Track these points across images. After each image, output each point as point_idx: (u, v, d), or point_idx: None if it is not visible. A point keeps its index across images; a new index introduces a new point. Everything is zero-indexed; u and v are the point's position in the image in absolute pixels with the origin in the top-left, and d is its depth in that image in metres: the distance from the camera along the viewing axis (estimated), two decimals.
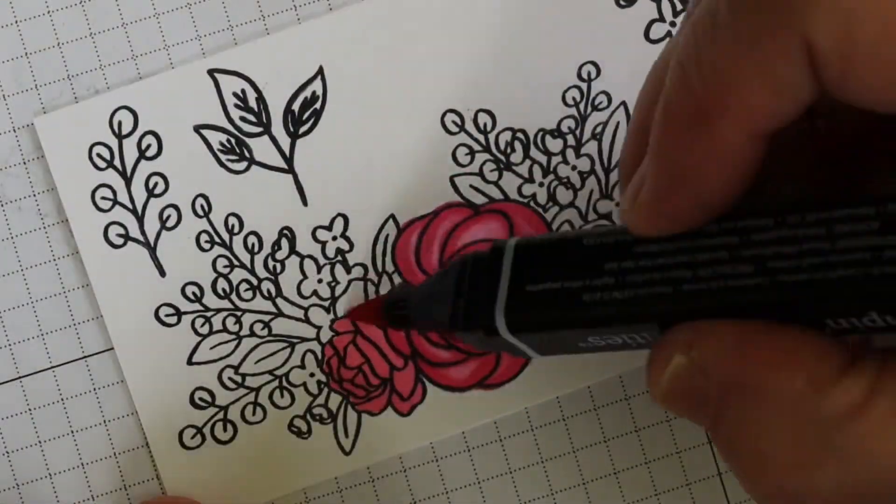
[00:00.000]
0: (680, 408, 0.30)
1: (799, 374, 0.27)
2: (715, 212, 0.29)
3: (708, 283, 0.29)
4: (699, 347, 0.29)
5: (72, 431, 0.43)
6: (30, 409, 0.43)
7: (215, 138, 0.42)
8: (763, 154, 0.28)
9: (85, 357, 0.43)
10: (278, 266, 0.42)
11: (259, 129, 0.42)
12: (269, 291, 0.42)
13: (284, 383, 0.42)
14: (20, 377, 0.43)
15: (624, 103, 0.43)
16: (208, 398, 0.42)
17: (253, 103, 0.42)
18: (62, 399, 0.43)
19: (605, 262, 0.31)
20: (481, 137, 0.43)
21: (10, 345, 0.43)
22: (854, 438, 0.26)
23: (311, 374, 0.42)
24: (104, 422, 0.43)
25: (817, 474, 0.26)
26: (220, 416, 0.42)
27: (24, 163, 0.43)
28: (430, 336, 0.42)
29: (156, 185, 0.42)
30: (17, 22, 0.43)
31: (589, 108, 0.43)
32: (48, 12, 0.43)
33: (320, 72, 0.42)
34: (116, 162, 0.42)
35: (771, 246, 0.28)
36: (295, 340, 0.42)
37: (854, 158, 0.32)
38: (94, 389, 0.43)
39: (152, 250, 0.42)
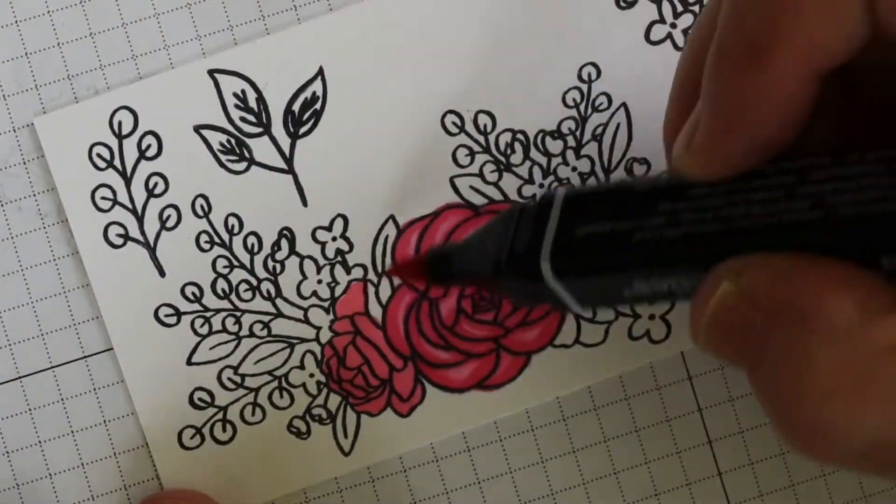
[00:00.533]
0: (721, 341, 0.29)
1: (851, 301, 0.26)
2: (770, 152, 0.29)
3: (762, 219, 0.29)
4: (749, 274, 0.28)
5: (72, 431, 0.43)
6: (30, 409, 0.43)
7: (215, 138, 0.42)
8: (816, 94, 0.28)
9: (85, 357, 0.43)
10: (278, 266, 0.42)
11: (259, 130, 0.42)
12: (268, 292, 0.42)
13: (284, 384, 0.42)
14: (20, 377, 0.43)
15: (624, 104, 0.43)
16: (208, 398, 0.42)
17: (253, 104, 0.42)
18: (62, 399, 0.43)
19: (657, 204, 0.31)
20: (481, 138, 0.43)
21: (10, 345, 0.43)
22: None
23: (311, 375, 0.42)
24: (104, 422, 0.43)
25: (859, 404, 0.26)
26: (220, 416, 0.42)
27: (24, 163, 0.43)
28: (429, 336, 0.42)
29: (156, 185, 0.42)
30: (17, 22, 0.43)
31: (589, 110, 0.43)
32: (48, 12, 0.43)
33: (320, 72, 0.42)
34: (116, 162, 0.42)
35: (829, 183, 0.28)
36: (294, 341, 0.42)
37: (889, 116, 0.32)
38: (94, 389, 0.43)
39: (152, 250, 0.42)
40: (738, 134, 0.29)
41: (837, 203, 0.28)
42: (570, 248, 0.33)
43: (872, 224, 0.27)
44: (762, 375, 0.28)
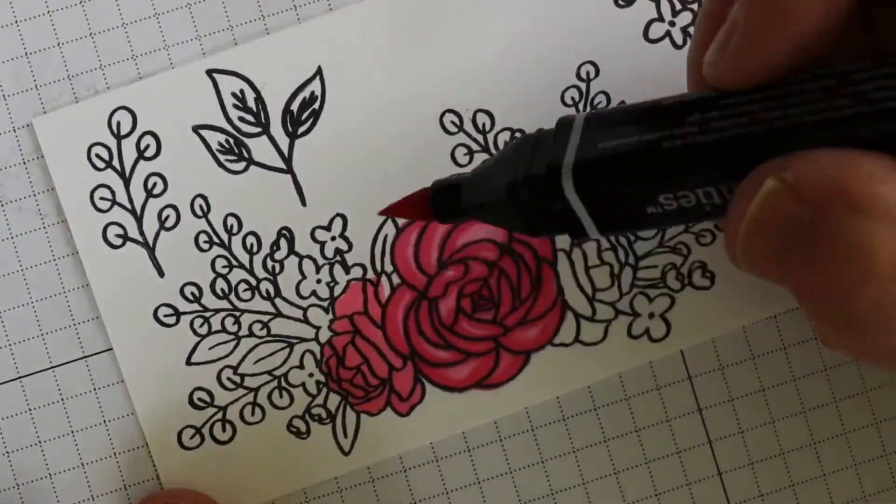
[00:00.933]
0: (764, 245, 0.29)
1: None
2: (810, 56, 0.29)
3: (801, 117, 0.28)
4: (795, 169, 0.28)
5: (72, 431, 0.43)
6: (30, 409, 0.43)
7: (214, 138, 0.42)
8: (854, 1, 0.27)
9: (85, 357, 0.43)
10: (277, 266, 0.42)
11: (258, 130, 0.42)
12: (267, 292, 0.42)
13: (283, 383, 0.42)
14: (20, 377, 0.43)
15: (623, 103, 0.43)
16: (207, 398, 0.42)
17: (252, 103, 0.42)
18: (62, 399, 0.43)
19: (688, 115, 0.30)
20: (480, 137, 0.43)
21: (10, 345, 0.43)
22: None
23: (310, 375, 0.42)
24: (104, 422, 0.43)
25: None
26: (219, 416, 0.42)
27: (24, 163, 0.43)
28: (428, 336, 0.42)
29: (154, 185, 0.42)
30: (16, 22, 0.43)
31: (588, 108, 0.43)
32: (48, 12, 0.43)
33: (319, 72, 0.42)
34: (115, 162, 0.42)
35: (871, 82, 0.28)
36: (294, 341, 0.42)
37: None
38: (94, 389, 0.43)
39: (151, 251, 0.42)
40: (779, 33, 0.28)
41: (881, 98, 0.27)
42: (594, 162, 0.32)
43: None
44: (810, 278, 0.28)
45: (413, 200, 0.37)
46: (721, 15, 0.31)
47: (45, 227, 0.43)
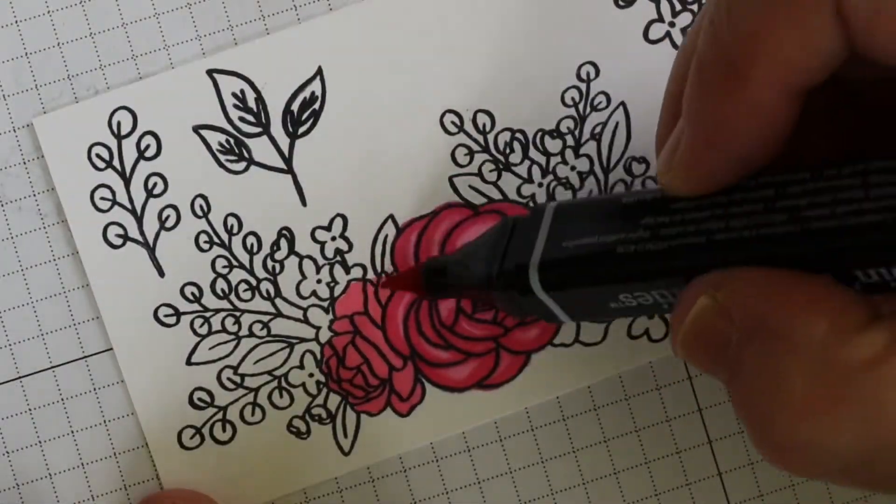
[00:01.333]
0: (699, 354, 0.30)
1: (824, 320, 0.26)
2: (750, 169, 0.29)
3: (740, 232, 0.29)
4: (726, 289, 0.29)
5: (72, 431, 0.43)
6: (30, 409, 0.43)
7: (214, 138, 0.42)
8: (796, 111, 0.28)
9: (85, 357, 0.43)
10: (277, 266, 0.42)
11: (258, 130, 0.42)
12: (268, 292, 0.42)
13: (283, 384, 0.42)
14: (20, 377, 0.43)
15: (623, 104, 0.43)
16: (207, 398, 0.42)
17: (252, 103, 0.42)
18: (62, 399, 0.43)
19: (641, 217, 0.32)
20: (480, 138, 0.43)
21: (10, 345, 0.43)
22: (872, 388, 0.25)
23: (311, 375, 0.42)
24: (104, 422, 0.43)
25: (832, 423, 0.26)
26: (219, 416, 0.42)
27: (24, 163, 0.43)
28: (428, 336, 0.42)
29: (155, 185, 0.42)
30: (16, 22, 0.43)
31: (588, 109, 0.43)
32: (48, 12, 0.43)
33: (319, 72, 0.42)
34: (115, 162, 0.42)
35: (806, 197, 0.28)
36: (294, 341, 0.42)
37: (886, 120, 0.32)
38: (94, 389, 0.43)
39: (151, 251, 0.42)
40: (718, 151, 0.29)
41: (812, 217, 0.28)
42: (558, 262, 0.34)
43: (845, 237, 0.27)
44: (738, 389, 0.29)
45: (408, 277, 0.42)
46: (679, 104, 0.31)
47: (44, 228, 0.43)
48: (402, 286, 0.42)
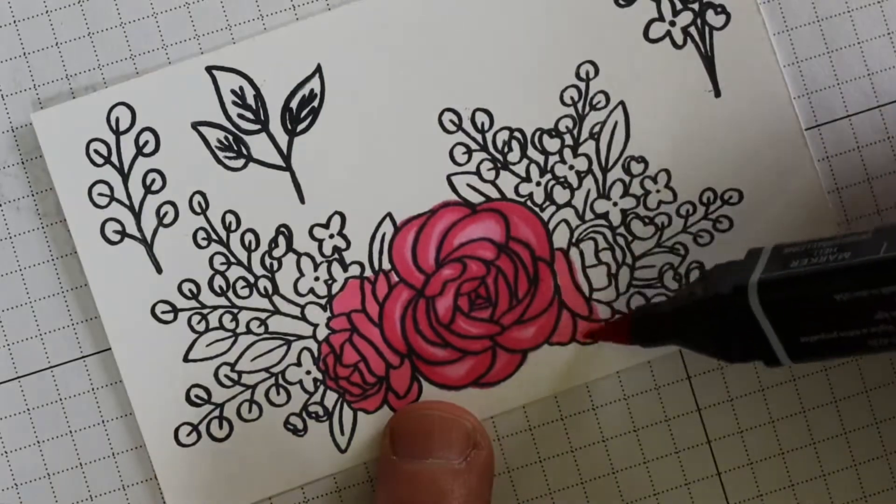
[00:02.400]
0: None
1: None
2: None
3: None
4: None
5: (70, 431, 0.43)
6: (28, 409, 0.43)
7: (213, 135, 0.42)
8: None
9: (83, 357, 0.43)
10: (275, 263, 0.42)
11: (257, 127, 0.42)
12: (265, 289, 0.42)
13: (280, 381, 0.42)
14: (18, 377, 0.43)
15: (622, 103, 0.43)
16: (204, 395, 0.42)
17: (251, 101, 0.42)
18: (60, 399, 0.43)
19: (871, 313, 0.33)
20: (479, 136, 0.43)
21: (8, 345, 0.43)
22: None
23: (308, 372, 0.42)
24: (102, 422, 0.43)
25: None
26: (216, 413, 0.42)
27: (23, 163, 0.43)
28: (425, 334, 0.42)
29: (153, 181, 0.42)
30: (15, 21, 0.43)
31: (587, 108, 0.43)
32: (46, 12, 0.43)
33: (318, 70, 0.42)
34: (114, 158, 0.42)
35: None
36: (291, 338, 0.42)
37: None
38: (93, 389, 0.43)
39: (149, 247, 0.42)
40: None
41: None
42: (807, 353, 0.35)
43: None
44: None
45: (614, 325, 0.42)
46: None
47: (43, 227, 0.43)
48: (608, 336, 0.42)
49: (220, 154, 0.42)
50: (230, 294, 0.42)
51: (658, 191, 0.43)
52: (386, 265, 0.42)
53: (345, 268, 0.42)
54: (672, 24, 0.43)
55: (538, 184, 0.43)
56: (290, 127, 0.42)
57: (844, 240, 0.35)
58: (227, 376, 0.42)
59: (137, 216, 0.42)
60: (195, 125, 0.42)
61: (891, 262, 0.33)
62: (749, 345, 0.36)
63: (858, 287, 0.33)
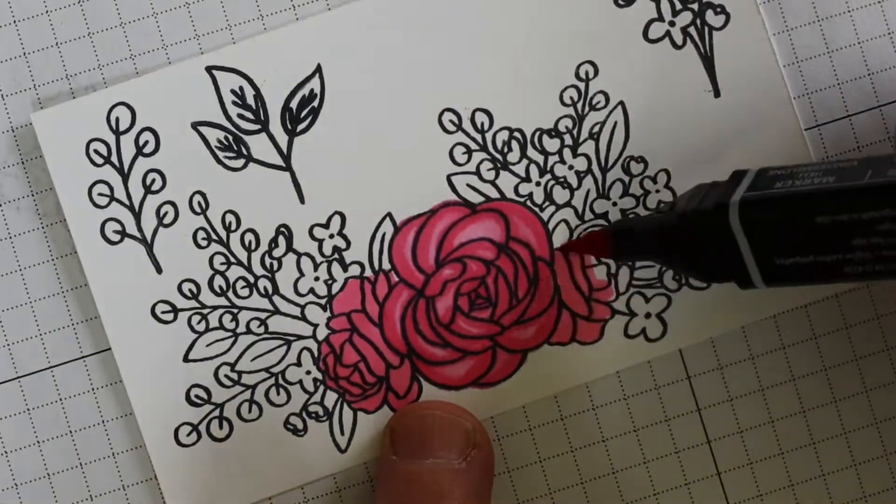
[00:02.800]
0: None
1: None
2: None
3: None
4: None
5: (70, 431, 0.43)
6: (28, 409, 0.43)
7: (213, 135, 0.42)
8: None
9: (83, 357, 0.43)
10: (275, 263, 0.42)
11: (257, 127, 0.42)
12: (265, 289, 0.42)
13: (280, 381, 0.42)
14: (18, 377, 0.43)
15: (622, 103, 0.43)
16: (204, 395, 0.42)
17: (251, 101, 0.42)
18: (60, 399, 0.43)
19: (849, 238, 0.33)
20: (478, 136, 0.43)
21: (8, 345, 0.43)
22: None
23: (308, 372, 0.42)
24: (102, 422, 0.43)
25: None
26: (216, 413, 0.42)
27: (23, 163, 0.43)
28: (425, 334, 0.42)
29: (153, 181, 0.42)
30: (15, 21, 0.43)
31: (586, 108, 0.43)
32: (46, 12, 0.43)
33: (318, 70, 0.42)
34: (114, 158, 0.42)
35: None
36: (291, 338, 0.42)
37: None
38: (93, 389, 0.43)
39: (149, 247, 0.42)
40: None
41: None
42: (780, 275, 0.35)
43: None
44: None
45: (592, 238, 0.42)
46: None
47: (43, 227, 0.43)
48: (583, 248, 0.42)
49: (220, 154, 0.42)
50: (230, 294, 0.42)
51: (658, 191, 0.43)
52: (386, 265, 0.42)
53: (345, 268, 0.42)
54: (672, 24, 0.43)
55: (538, 184, 0.43)
56: (290, 127, 0.42)
57: (830, 165, 0.35)
58: (227, 376, 0.42)
59: (137, 216, 0.42)
60: (195, 125, 0.42)
61: (874, 189, 0.33)
62: (725, 264, 0.36)
63: (839, 211, 0.33)
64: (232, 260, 0.42)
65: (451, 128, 0.43)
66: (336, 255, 0.42)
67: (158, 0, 0.43)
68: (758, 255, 0.35)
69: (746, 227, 0.35)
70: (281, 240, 0.42)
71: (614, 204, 0.43)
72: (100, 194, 0.42)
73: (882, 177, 0.33)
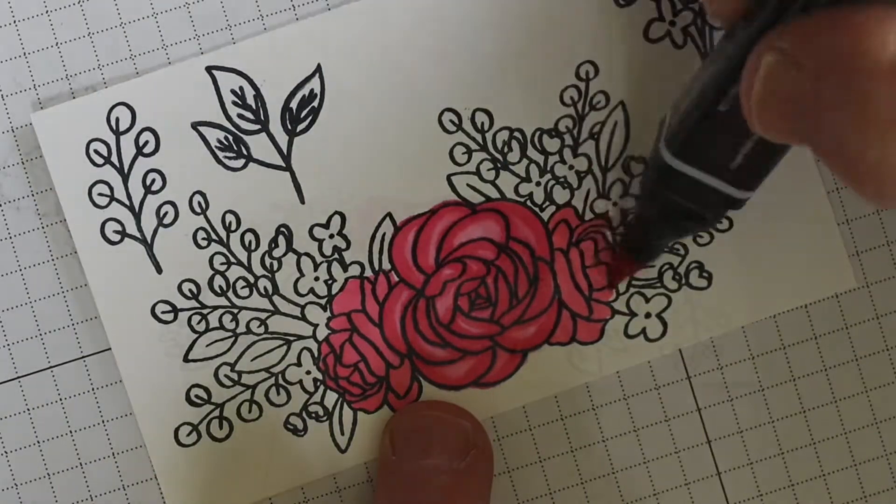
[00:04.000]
0: (774, 118, 0.30)
1: (893, 36, 0.26)
2: None
3: None
4: (788, 38, 0.29)
5: (70, 431, 0.43)
6: (28, 409, 0.43)
7: (213, 135, 0.42)
8: None
9: (83, 357, 0.43)
10: (275, 264, 0.42)
11: (257, 127, 0.42)
12: (265, 289, 0.42)
13: (280, 381, 0.42)
14: (18, 377, 0.43)
15: (622, 103, 0.43)
16: (204, 395, 0.42)
17: (251, 101, 0.42)
18: (60, 399, 0.43)
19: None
20: (479, 136, 0.43)
21: (8, 345, 0.43)
22: None
23: (308, 372, 0.42)
24: (102, 422, 0.43)
25: None
26: (216, 413, 0.42)
27: (23, 163, 0.43)
28: (425, 334, 0.42)
29: (153, 181, 0.42)
30: (15, 22, 0.43)
31: (587, 108, 0.43)
32: (46, 12, 0.43)
33: (318, 70, 0.42)
34: (114, 158, 0.42)
35: None
36: (291, 338, 0.42)
37: None
38: (93, 389, 0.43)
39: (149, 247, 0.42)
40: None
41: None
42: (679, 125, 0.37)
43: None
44: (823, 139, 0.28)
45: (619, 264, 0.43)
46: None
47: (43, 228, 0.43)
48: (621, 276, 0.43)
49: (220, 154, 0.42)
50: (230, 294, 0.42)
51: None
52: (386, 265, 0.43)
53: (345, 268, 0.42)
54: (672, 23, 0.43)
55: (538, 184, 0.43)
56: (290, 127, 0.42)
57: (699, 72, 0.37)
58: (227, 376, 0.42)
59: (137, 216, 0.42)
60: (195, 125, 0.42)
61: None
62: (703, 200, 0.38)
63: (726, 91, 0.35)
64: (232, 260, 0.42)
65: (451, 128, 0.43)
66: (336, 255, 0.42)
67: (158, 0, 0.43)
68: (713, 171, 0.37)
69: (682, 157, 0.37)
70: (281, 240, 0.42)
71: (615, 204, 0.43)
72: (100, 194, 0.42)
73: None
